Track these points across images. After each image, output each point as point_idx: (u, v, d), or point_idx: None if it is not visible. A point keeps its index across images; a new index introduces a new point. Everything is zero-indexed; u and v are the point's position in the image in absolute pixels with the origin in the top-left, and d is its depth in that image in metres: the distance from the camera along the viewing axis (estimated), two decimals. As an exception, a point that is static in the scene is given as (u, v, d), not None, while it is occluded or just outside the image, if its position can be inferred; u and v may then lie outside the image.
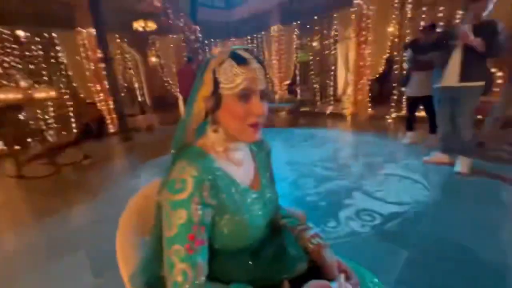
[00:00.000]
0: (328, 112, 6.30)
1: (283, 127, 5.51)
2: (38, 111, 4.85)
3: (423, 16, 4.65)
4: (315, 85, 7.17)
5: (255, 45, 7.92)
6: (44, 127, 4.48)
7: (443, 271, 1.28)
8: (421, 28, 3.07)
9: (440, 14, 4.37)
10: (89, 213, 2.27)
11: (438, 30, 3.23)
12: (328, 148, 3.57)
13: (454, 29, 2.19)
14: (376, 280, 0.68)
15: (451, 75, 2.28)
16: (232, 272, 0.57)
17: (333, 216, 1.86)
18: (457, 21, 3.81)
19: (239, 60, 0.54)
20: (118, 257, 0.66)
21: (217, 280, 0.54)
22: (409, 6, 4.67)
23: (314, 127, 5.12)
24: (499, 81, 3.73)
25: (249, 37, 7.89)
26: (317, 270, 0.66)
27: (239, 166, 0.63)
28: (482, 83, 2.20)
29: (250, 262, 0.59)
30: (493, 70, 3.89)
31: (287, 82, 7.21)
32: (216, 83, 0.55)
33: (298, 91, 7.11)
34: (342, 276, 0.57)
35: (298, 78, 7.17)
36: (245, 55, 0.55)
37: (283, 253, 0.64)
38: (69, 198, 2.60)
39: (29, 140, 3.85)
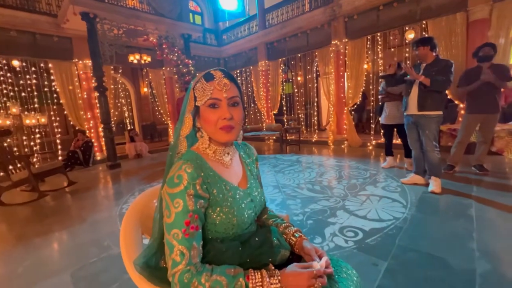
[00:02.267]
0: (313, 140, 6.61)
1: (271, 154, 5.69)
2: (24, 137, 4.81)
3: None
4: (300, 115, 7.61)
5: (244, 77, 8.46)
6: (29, 154, 4.40)
7: (419, 278, 1.38)
8: (388, 65, 3.51)
9: (406, 55, 5.00)
10: (72, 237, 2.22)
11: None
12: (313, 173, 3.73)
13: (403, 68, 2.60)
14: (354, 271, 0.78)
15: (412, 105, 2.62)
16: (223, 256, 0.66)
17: (319, 233, 1.94)
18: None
19: (207, 78, 0.68)
20: (121, 245, 0.75)
21: (210, 264, 0.63)
22: (379, 47, 5.31)
23: (300, 154, 5.34)
24: (462, 112, 4.19)
25: (238, 71, 8.45)
26: (298, 260, 0.77)
27: (227, 167, 0.76)
28: (437, 112, 2.52)
29: (240, 248, 0.69)
30: (456, 102, 4.41)
31: (274, 111, 7.60)
32: (195, 98, 0.70)
33: (285, 120, 7.47)
34: (322, 260, 0.67)
35: (284, 108, 7.60)
36: (214, 73, 0.69)
37: (269, 242, 0.73)
38: (51, 223, 2.53)
39: (11, 166, 3.76)
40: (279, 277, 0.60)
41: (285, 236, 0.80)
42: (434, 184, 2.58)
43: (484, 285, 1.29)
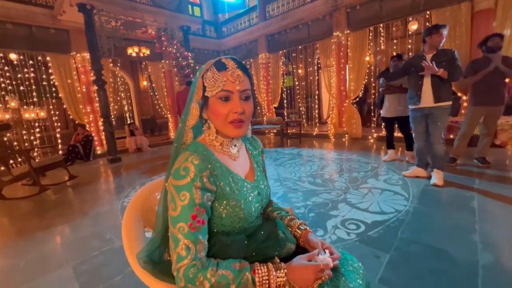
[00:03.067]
0: (314, 133, 6.58)
1: (272, 147, 5.67)
2: (24, 132, 4.78)
3: (394, 47, 5.20)
4: (301, 108, 7.56)
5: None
6: (29, 148, 4.39)
7: (421, 270, 1.38)
8: (390, 57, 3.46)
9: (409, 46, 4.92)
10: (74, 230, 2.22)
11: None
12: (314, 166, 3.72)
13: (417, 62, 2.53)
14: (360, 264, 0.76)
15: (427, 98, 2.57)
16: (229, 249, 0.64)
17: (321, 226, 1.94)
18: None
19: (219, 67, 0.64)
20: (123, 239, 0.73)
21: (215, 257, 0.62)
22: (382, 39, 5.23)
23: (301, 147, 5.33)
24: (465, 104, 4.15)
25: (238, 64, 8.33)
26: (303, 253, 0.76)
27: (235, 159, 0.74)
28: (450, 102, 2.52)
29: (245, 242, 0.68)
30: (459, 94, 4.36)
31: (275, 105, 7.54)
32: (204, 87, 0.66)
33: (285, 113, 7.42)
34: (327, 251, 0.67)
35: (285, 101, 7.54)
36: (227, 62, 0.65)
37: (275, 235, 0.72)
38: (52, 217, 2.53)
39: (11, 161, 3.75)
40: (285, 270, 0.59)
41: (290, 229, 0.79)
42: (437, 177, 2.57)
43: (487, 277, 1.29)
